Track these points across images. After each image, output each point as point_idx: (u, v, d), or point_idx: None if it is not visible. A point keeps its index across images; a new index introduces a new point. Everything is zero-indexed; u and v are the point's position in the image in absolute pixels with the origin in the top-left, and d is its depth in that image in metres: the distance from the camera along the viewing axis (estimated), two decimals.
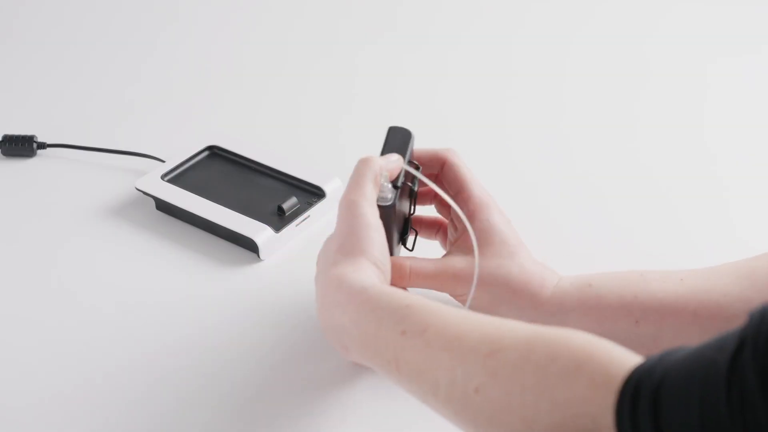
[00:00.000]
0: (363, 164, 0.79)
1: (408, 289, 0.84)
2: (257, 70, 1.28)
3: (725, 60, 1.30)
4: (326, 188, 1.02)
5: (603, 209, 1.04)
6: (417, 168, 0.85)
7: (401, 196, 0.83)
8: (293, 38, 1.35)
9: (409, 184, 0.85)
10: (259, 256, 0.96)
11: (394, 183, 0.81)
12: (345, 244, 0.76)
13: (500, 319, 0.67)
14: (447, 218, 0.89)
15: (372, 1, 1.44)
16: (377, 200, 0.79)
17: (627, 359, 0.58)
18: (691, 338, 0.76)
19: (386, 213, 0.80)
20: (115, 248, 0.98)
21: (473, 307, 0.82)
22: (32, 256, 0.97)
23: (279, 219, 0.99)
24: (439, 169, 0.87)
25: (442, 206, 0.89)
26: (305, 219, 0.99)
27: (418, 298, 0.71)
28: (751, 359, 0.51)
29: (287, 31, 1.37)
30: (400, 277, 0.82)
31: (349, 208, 0.78)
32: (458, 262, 0.83)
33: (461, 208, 0.83)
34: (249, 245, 0.96)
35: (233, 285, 0.93)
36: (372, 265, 0.75)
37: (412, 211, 0.88)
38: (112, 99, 1.22)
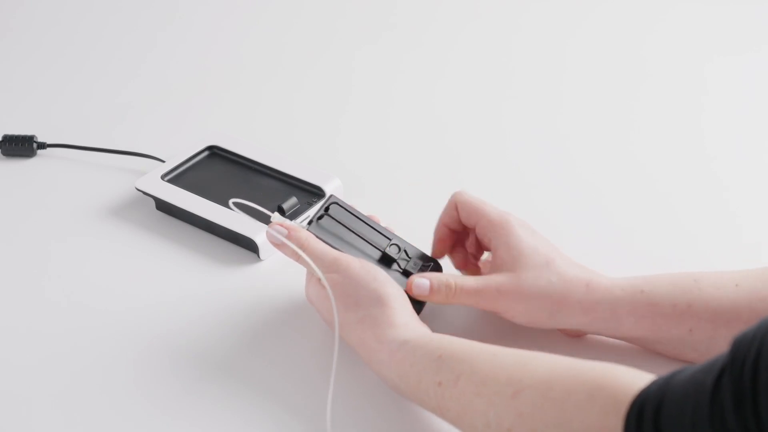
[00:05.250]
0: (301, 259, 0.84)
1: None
2: (257, 70, 1.28)
3: (725, 60, 1.30)
4: (326, 188, 1.02)
5: (602, 209, 1.04)
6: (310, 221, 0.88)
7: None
8: (292, 38, 1.35)
9: (325, 212, 0.88)
10: (259, 256, 0.96)
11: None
12: (360, 301, 0.80)
13: (523, 354, 0.73)
14: (466, 246, 0.90)
15: (370, 2, 1.44)
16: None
17: (635, 384, 0.63)
18: None
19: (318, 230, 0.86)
20: (115, 248, 0.98)
21: (526, 322, 0.83)
22: (32, 255, 0.97)
23: None
24: (456, 212, 0.88)
25: (456, 238, 0.90)
26: (305, 219, 0.99)
27: (447, 344, 0.76)
28: (729, 382, 0.58)
29: (286, 31, 1.37)
30: (447, 295, 0.83)
31: (334, 270, 0.82)
32: (498, 277, 0.82)
33: (484, 236, 0.85)
34: (249, 245, 0.96)
35: (233, 285, 0.93)
36: (394, 303, 0.80)
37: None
38: (112, 99, 1.22)
